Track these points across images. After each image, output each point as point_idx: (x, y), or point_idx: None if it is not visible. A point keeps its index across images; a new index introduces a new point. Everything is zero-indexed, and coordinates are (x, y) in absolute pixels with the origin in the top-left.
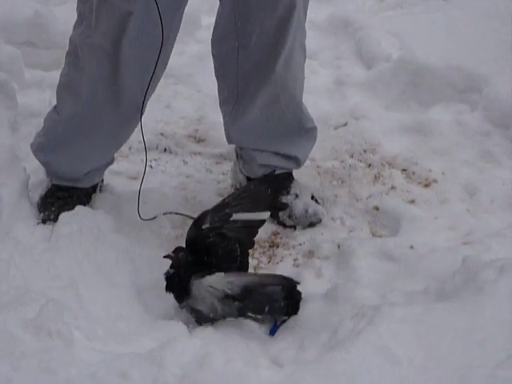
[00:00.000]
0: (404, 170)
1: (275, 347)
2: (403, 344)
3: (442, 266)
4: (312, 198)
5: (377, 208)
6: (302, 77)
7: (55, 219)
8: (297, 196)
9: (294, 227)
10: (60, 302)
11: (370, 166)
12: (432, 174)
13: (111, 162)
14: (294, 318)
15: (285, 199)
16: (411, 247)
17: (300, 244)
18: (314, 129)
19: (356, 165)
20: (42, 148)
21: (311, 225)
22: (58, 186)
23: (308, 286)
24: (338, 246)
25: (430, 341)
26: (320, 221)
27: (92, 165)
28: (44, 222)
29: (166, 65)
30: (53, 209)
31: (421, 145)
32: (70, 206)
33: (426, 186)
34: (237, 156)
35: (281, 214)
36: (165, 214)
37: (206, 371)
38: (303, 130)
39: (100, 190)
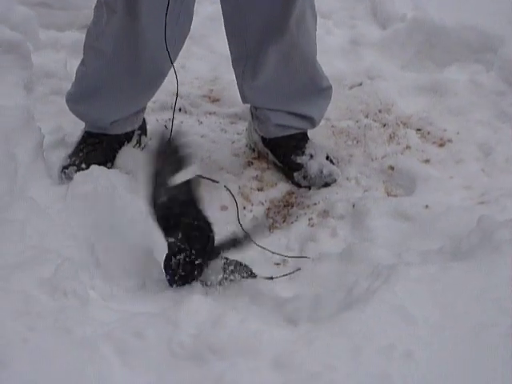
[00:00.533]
0: (419, 130)
1: (290, 306)
2: (419, 303)
3: (458, 226)
4: (327, 158)
5: (392, 168)
6: (314, 36)
7: (79, 165)
8: (311, 156)
9: (309, 187)
10: (75, 262)
11: (384, 125)
12: (447, 133)
13: (141, 110)
14: (309, 277)
15: (299, 159)
16: (426, 207)
17: (315, 203)
18: (329, 88)
19: (371, 124)
20: (72, 98)
21: (326, 185)
22: (89, 133)
23: (323, 246)
24: (353, 206)
25: (446, 300)
26: (335, 181)
27: (119, 114)
28: (67, 167)
29: (191, 16)
30: (80, 154)
31: (436, 105)
32: (99, 152)
33: (441, 145)
34: (252, 116)
35: (295, 174)
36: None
37: (221, 330)
38: (318, 89)
39: (139, 144)
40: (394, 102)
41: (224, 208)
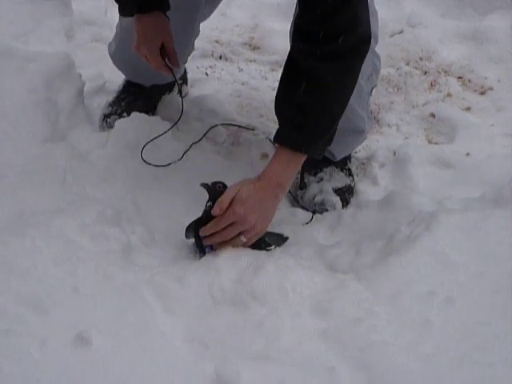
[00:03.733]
0: (460, 78)
1: (331, 253)
2: (459, 250)
3: (499, 173)
4: (337, 189)
5: (433, 115)
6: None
7: (121, 114)
8: (320, 180)
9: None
10: (117, 208)
11: (425, 73)
12: (488, 81)
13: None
14: (349, 225)
15: (307, 179)
16: (467, 154)
17: (355, 151)
18: (362, 131)
19: (412, 72)
20: (113, 51)
21: (315, 212)
22: (130, 83)
23: (364, 193)
24: (394, 154)
25: (486, 247)
26: (326, 211)
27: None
28: (109, 116)
29: None
30: (122, 103)
31: (477, 52)
32: (140, 102)
33: (482, 93)
34: None
35: (299, 192)
36: (222, 124)
37: (262, 277)
38: (350, 127)
39: (180, 93)
40: (434, 50)
41: (264, 156)
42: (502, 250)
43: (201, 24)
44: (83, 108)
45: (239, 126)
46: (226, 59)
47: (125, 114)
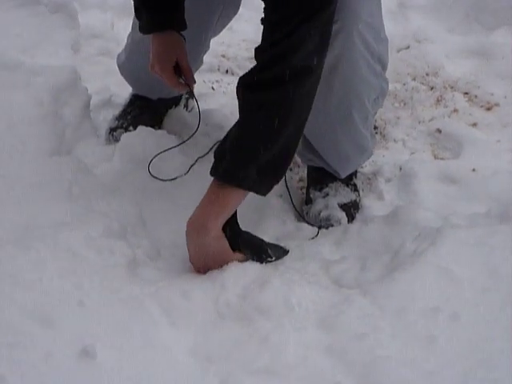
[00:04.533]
0: (466, 93)
1: (336, 268)
2: (465, 265)
3: (505, 189)
4: (343, 204)
5: (439, 130)
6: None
7: (127, 127)
8: (326, 196)
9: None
10: (123, 222)
11: (432, 88)
12: (494, 97)
13: None
14: (355, 239)
15: (312, 194)
16: (473, 170)
17: (361, 166)
18: (367, 150)
19: (418, 87)
20: (121, 63)
21: (320, 227)
22: (137, 96)
23: (370, 208)
24: (400, 169)
25: (492, 263)
26: (331, 226)
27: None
28: (115, 130)
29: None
30: (128, 117)
31: (483, 68)
32: (146, 116)
33: (488, 109)
34: None
35: (304, 206)
36: None
37: (267, 291)
38: (355, 149)
39: (187, 107)
40: (441, 65)
41: None
42: (508, 266)
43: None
44: (89, 121)
45: None
46: (233, 74)
47: (131, 128)
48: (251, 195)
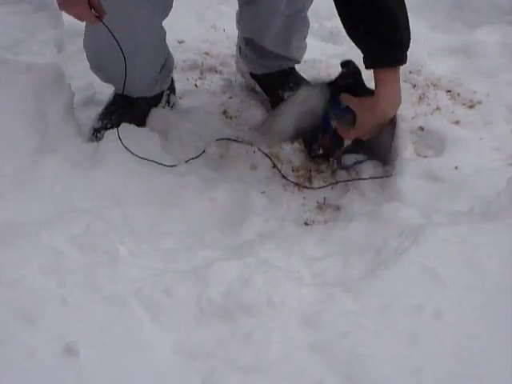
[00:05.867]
0: (449, 91)
1: (320, 265)
2: (448, 264)
3: (487, 187)
4: None
5: (421, 128)
6: None
7: (112, 127)
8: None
9: None
10: (105, 219)
11: (414, 86)
12: (477, 95)
13: (169, 71)
14: (338, 237)
15: (286, 95)
16: (456, 168)
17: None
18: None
19: (401, 85)
20: (95, 66)
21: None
22: (120, 95)
23: (353, 206)
24: (383, 166)
25: (475, 261)
26: None
27: (146, 74)
28: (99, 131)
29: None
30: (112, 117)
31: (466, 66)
32: (130, 115)
33: (471, 107)
34: (239, 51)
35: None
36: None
37: (250, 289)
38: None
39: (169, 103)
40: (423, 64)
41: (253, 167)
42: (491, 263)
43: (191, 36)
44: (73, 119)
45: (235, 141)
46: (216, 71)
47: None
48: (233, 193)
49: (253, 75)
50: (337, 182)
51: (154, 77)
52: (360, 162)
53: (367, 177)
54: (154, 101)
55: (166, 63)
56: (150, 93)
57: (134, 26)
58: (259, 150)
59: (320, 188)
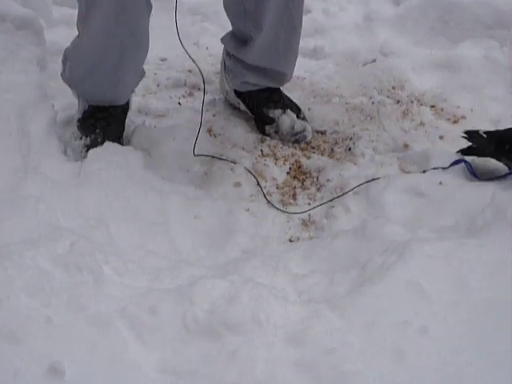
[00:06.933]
0: (433, 107)
1: (305, 282)
2: (433, 279)
3: (472, 202)
4: (299, 114)
5: (406, 144)
6: None
7: (102, 142)
8: (284, 111)
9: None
10: (90, 238)
11: (398, 102)
12: (460, 110)
13: (142, 76)
14: (323, 254)
15: (272, 113)
16: (440, 183)
17: (328, 180)
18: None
19: (384, 101)
20: (73, 79)
21: (296, 141)
22: (95, 107)
23: (338, 222)
24: (367, 182)
25: (461, 276)
26: (305, 138)
27: (123, 81)
28: (90, 147)
29: None
30: (97, 131)
31: (449, 81)
32: (113, 126)
33: (455, 122)
34: (224, 67)
35: (267, 127)
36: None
37: (236, 306)
38: (293, 44)
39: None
40: (407, 79)
41: (237, 185)
42: (476, 278)
43: (174, 53)
44: (56, 138)
45: (219, 158)
46: (199, 89)
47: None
48: (218, 211)
49: (237, 93)
50: (320, 205)
51: (137, 82)
52: None
53: (350, 190)
54: (128, 107)
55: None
56: (127, 98)
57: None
58: (244, 168)
59: (304, 212)
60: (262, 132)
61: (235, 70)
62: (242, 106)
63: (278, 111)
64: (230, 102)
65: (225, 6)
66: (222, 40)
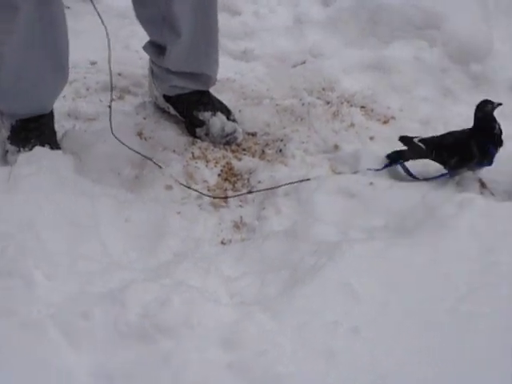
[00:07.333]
0: (363, 107)
1: (237, 285)
2: (364, 279)
3: (403, 202)
4: (229, 116)
5: (336, 145)
6: None
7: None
8: (214, 113)
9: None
10: (20, 243)
11: (328, 103)
12: (390, 110)
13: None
14: (255, 256)
15: (202, 116)
16: (371, 184)
17: (259, 182)
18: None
19: (315, 102)
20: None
21: (227, 143)
22: (24, 120)
23: (269, 224)
24: (298, 183)
25: (391, 276)
26: (236, 139)
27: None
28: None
29: None
30: (32, 141)
31: (380, 82)
32: (47, 133)
33: (385, 122)
34: (151, 73)
35: (198, 130)
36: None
37: (168, 310)
38: (212, 44)
39: None
40: (337, 80)
41: (168, 187)
42: (406, 278)
43: (102, 56)
44: None
45: (150, 160)
46: (129, 92)
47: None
48: (149, 214)
49: (166, 98)
50: (250, 192)
51: (62, 88)
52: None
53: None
54: (53, 114)
55: None
56: (52, 105)
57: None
58: (171, 176)
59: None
60: (193, 135)
61: (161, 76)
62: (172, 111)
63: (208, 113)
64: (159, 107)
65: (138, 18)
66: (144, 49)
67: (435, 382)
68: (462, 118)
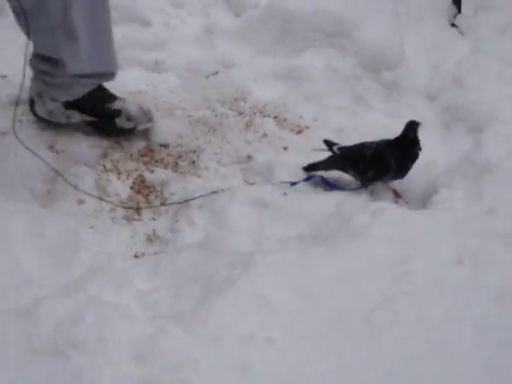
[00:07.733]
0: (276, 118)
1: (150, 298)
2: (278, 290)
3: (317, 211)
4: None
5: (249, 156)
6: None
7: None
8: (123, 100)
9: (134, 128)
10: None
11: (241, 114)
12: (303, 120)
13: None
14: (169, 268)
15: (115, 106)
16: (285, 194)
17: (172, 194)
18: None
19: (227, 113)
20: None
21: (150, 121)
22: None
23: (182, 236)
24: (212, 195)
25: (305, 285)
26: (153, 119)
27: None
28: None
29: None
30: None
31: (292, 91)
32: None
33: (299, 132)
34: (44, 87)
35: (117, 120)
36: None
37: (80, 325)
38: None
39: None
40: (249, 90)
41: (81, 202)
42: (321, 287)
43: (14, 70)
44: None
45: (61, 175)
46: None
47: None
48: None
49: (67, 105)
50: (162, 204)
51: None
52: None
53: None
54: None
55: None
56: None
57: None
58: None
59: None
60: (114, 129)
61: (65, 83)
62: (76, 117)
63: (120, 101)
64: (55, 122)
65: (28, 32)
66: (33, 64)
67: None
68: (375, 126)
